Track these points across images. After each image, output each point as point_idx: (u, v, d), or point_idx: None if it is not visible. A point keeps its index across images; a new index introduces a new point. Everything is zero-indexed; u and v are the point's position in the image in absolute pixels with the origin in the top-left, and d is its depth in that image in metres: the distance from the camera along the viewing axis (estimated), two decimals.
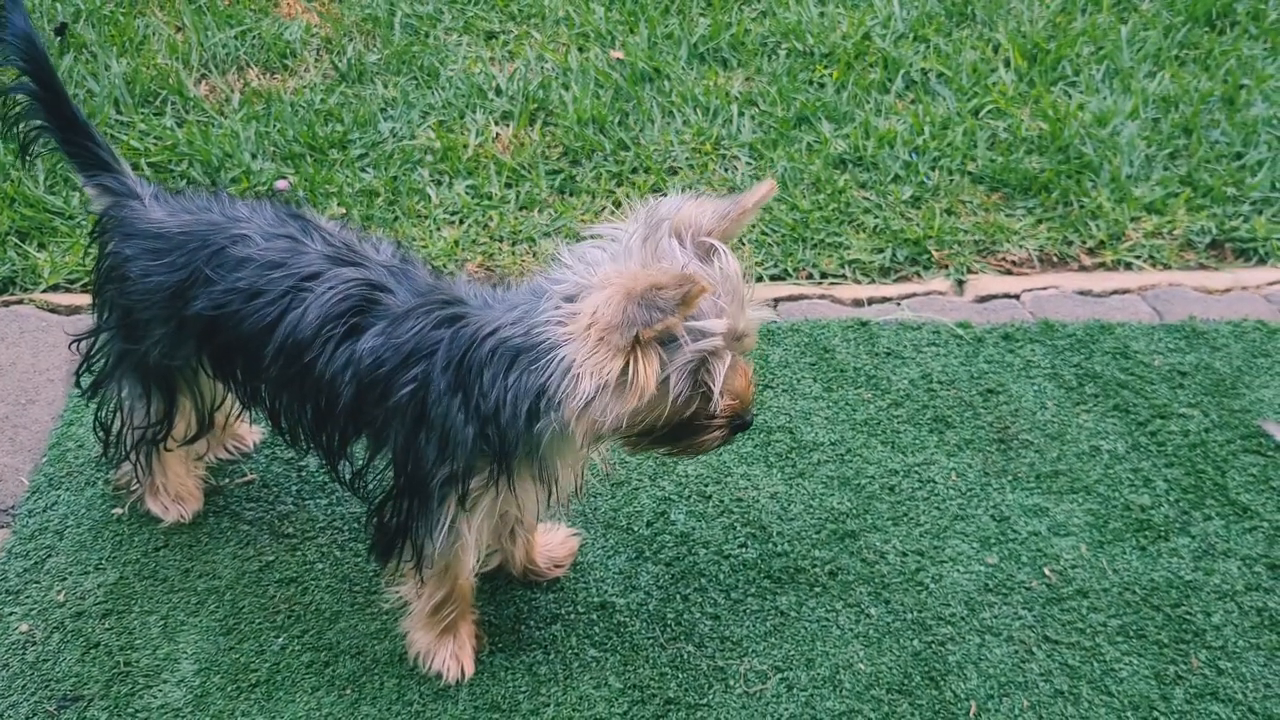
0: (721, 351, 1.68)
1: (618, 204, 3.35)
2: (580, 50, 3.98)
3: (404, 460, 1.90)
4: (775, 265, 3.20)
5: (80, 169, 2.12)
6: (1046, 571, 2.38)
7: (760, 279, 3.16)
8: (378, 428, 1.92)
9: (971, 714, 2.12)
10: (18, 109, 2.12)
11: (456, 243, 3.19)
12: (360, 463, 2.04)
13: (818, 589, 2.33)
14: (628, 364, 1.62)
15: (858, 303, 3.08)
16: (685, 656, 2.19)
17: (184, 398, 2.20)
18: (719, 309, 1.67)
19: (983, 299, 3.10)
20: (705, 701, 2.12)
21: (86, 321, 2.81)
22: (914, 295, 3.11)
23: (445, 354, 1.80)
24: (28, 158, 2.22)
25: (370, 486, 2.04)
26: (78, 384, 2.29)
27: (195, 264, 1.97)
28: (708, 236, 1.71)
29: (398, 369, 1.83)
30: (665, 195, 1.80)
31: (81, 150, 2.10)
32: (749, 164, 3.52)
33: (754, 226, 3.29)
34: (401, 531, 1.97)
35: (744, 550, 2.40)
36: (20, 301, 2.93)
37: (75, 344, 2.28)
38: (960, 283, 3.19)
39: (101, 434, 2.31)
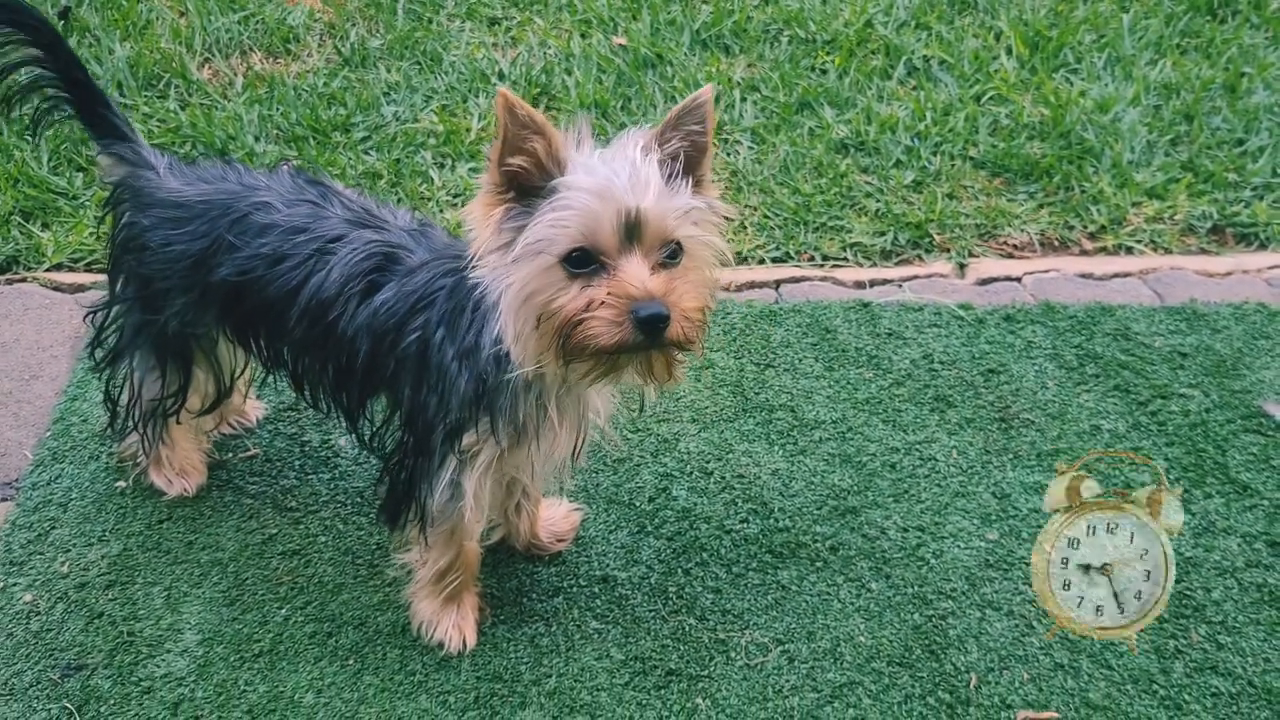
0: (588, 207, 1.60)
1: None
2: (583, 36, 3.99)
3: (411, 415, 1.92)
4: (777, 248, 3.21)
5: (96, 137, 2.13)
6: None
7: (762, 261, 3.17)
8: (389, 380, 1.94)
9: (972, 685, 2.13)
10: (25, 83, 2.11)
11: (459, 224, 3.20)
12: (380, 423, 2.07)
13: (819, 564, 2.34)
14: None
15: (859, 285, 3.09)
16: (687, 629, 2.20)
17: (199, 369, 2.21)
18: (600, 172, 1.61)
19: (984, 281, 3.11)
20: (707, 673, 2.13)
21: (92, 298, 2.83)
22: (915, 278, 3.12)
23: (445, 300, 1.84)
24: (38, 134, 2.21)
25: (388, 448, 2.05)
26: (91, 356, 2.29)
27: (218, 232, 1.99)
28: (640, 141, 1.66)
29: (406, 317, 1.87)
30: None
31: (97, 118, 2.11)
32: (751, 148, 3.53)
33: (756, 209, 3.31)
34: (408, 491, 1.98)
35: (745, 525, 2.40)
36: (24, 280, 2.94)
37: (90, 316, 2.28)
38: (961, 266, 3.20)
39: (110, 406, 2.31)
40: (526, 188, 1.64)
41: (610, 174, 1.61)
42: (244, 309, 2.03)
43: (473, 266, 1.71)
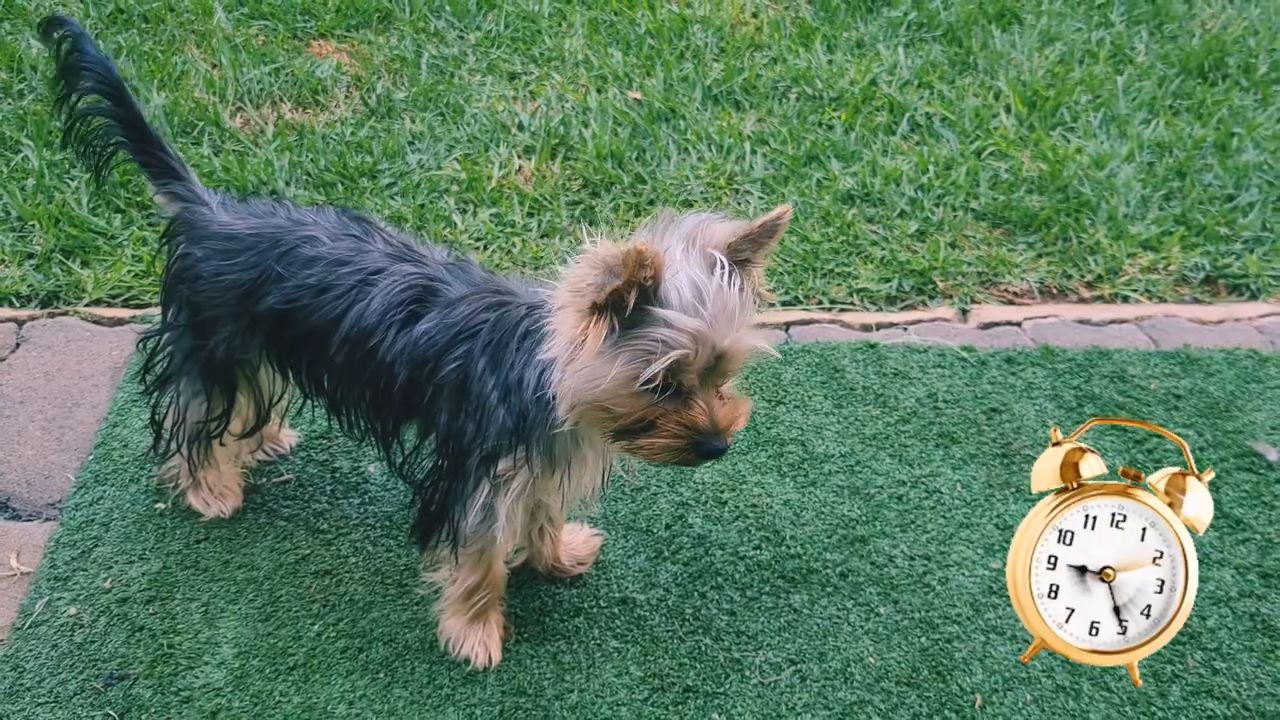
0: (683, 349, 1.70)
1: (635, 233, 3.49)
2: (599, 91, 4.15)
3: (447, 439, 2.02)
4: (787, 293, 3.34)
5: (153, 178, 2.27)
6: None
7: (773, 305, 3.29)
8: (425, 406, 2.04)
9: (978, 706, 2.21)
10: (95, 130, 2.27)
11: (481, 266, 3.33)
12: (411, 449, 2.18)
13: (829, 589, 2.43)
14: (587, 328, 1.73)
15: (866, 328, 3.21)
16: (703, 648, 2.29)
17: (242, 395, 2.33)
18: (695, 310, 1.70)
19: (986, 326, 3.23)
20: (722, 690, 2.22)
21: (131, 331, 2.96)
22: (920, 322, 3.25)
23: (488, 334, 1.95)
24: (101, 177, 2.34)
25: (418, 474, 2.16)
26: (142, 380, 2.41)
27: (266, 263, 2.11)
28: (715, 249, 1.73)
29: (446, 347, 1.97)
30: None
31: (154, 160, 2.25)
32: (761, 198, 3.67)
33: (766, 255, 3.43)
34: (440, 513, 2.08)
35: (758, 552, 2.50)
36: (65, 313, 3.06)
37: (142, 343, 2.40)
38: (964, 311, 3.32)
39: (155, 429, 2.42)
40: (619, 304, 1.71)
41: (708, 318, 1.69)
42: (289, 336, 2.15)
43: (555, 372, 1.80)
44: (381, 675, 2.21)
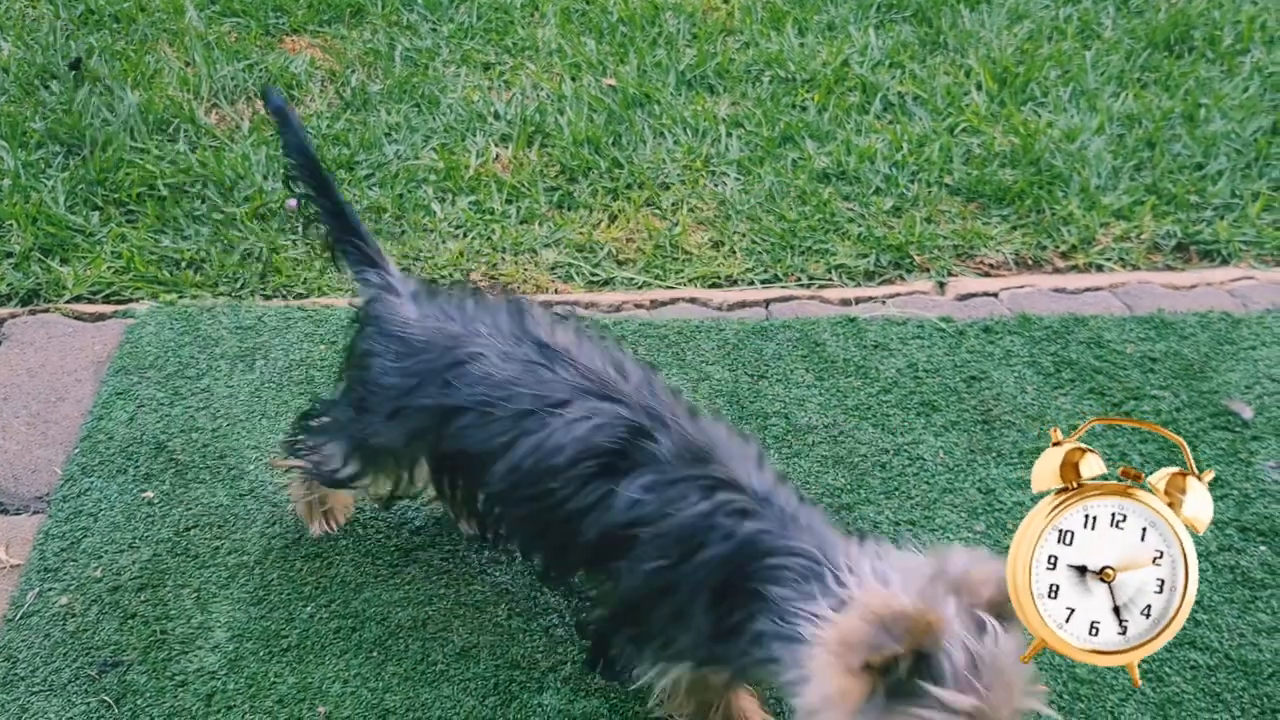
0: None
1: (614, 217, 3.52)
2: (573, 79, 4.17)
3: (634, 602, 1.91)
4: (766, 270, 3.37)
5: (351, 265, 2.22)
6: None
7: (751, 283, 3.33)
8: (606, 562, 1.92)
9: None
10: (315, 212, 2.27)
11: (461, 254, 3.35)
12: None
13: None
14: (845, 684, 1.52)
15: (845, 303, 3.24)
16: None
17: (385, 475, 2.24)
18: (970, 686, 1.49)
19: (963, 297, 3.27)
20: None
21: (114, 325, 2.97)
22: (898, 295, 3.28)
23: (715, 550, 1.77)
24: (338, 260, 2.28)
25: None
26: (302, 421, 2.37)
27: (432, 374, 2.01)
28: (982, 608, 1.54)
29: (660, 538, 1.81)
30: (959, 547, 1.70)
31: (352, 248, 2.20)
32: (737, 179, 3.70)
33: (745, 235, 3.47)
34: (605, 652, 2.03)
35: None
36: (46, 310, 3.06)
37: (314, 405, 2.39)
38: (941, 284, 3.36)
39: (300, 422, 2.38)
40: (890, 669, 1.51)
41: (984, 695, 1.49)
42: (443, 451, 2.05)
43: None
44: (375, 654, 2.22)
